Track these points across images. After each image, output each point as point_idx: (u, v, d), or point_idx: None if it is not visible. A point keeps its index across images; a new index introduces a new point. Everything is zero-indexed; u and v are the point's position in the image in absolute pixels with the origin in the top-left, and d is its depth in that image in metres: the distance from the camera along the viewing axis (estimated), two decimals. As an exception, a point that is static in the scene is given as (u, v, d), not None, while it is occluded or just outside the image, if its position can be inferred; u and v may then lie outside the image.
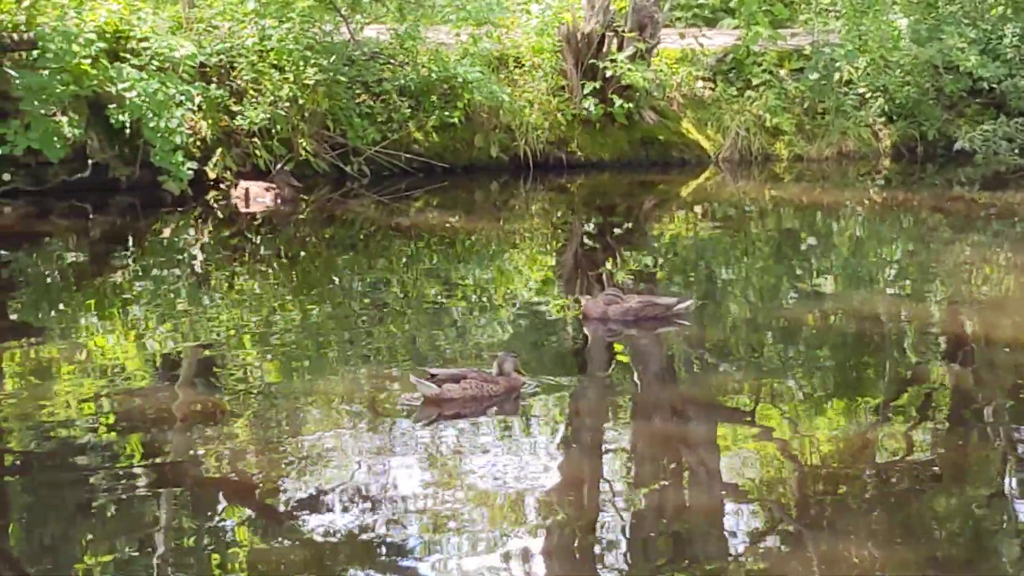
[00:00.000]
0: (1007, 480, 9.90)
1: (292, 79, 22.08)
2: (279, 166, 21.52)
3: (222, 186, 21.09)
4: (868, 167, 26.44)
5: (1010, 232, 20.54)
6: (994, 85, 27.45)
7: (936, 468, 9.96)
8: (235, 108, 21.78)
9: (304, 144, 22.13)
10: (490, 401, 10.95)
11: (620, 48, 24.86)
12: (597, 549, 8.49)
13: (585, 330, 13.58)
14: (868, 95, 27.06)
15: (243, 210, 20.30)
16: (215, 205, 20.54)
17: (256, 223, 19.57)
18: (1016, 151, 26.91)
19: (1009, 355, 13.11)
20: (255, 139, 21.77)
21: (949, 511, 9.22)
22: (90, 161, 20.43)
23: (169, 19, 22.57)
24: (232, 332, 13.58)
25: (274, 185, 20.89)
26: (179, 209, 20.13)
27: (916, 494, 9.46)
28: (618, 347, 13.33)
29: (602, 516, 9.07)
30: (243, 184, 20.91)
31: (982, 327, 14.32)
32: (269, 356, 12.57)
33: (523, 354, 11.93)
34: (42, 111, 19.42)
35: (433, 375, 10.90)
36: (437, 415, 10.69)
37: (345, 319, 14.18)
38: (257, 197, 20.68)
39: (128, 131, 20.08)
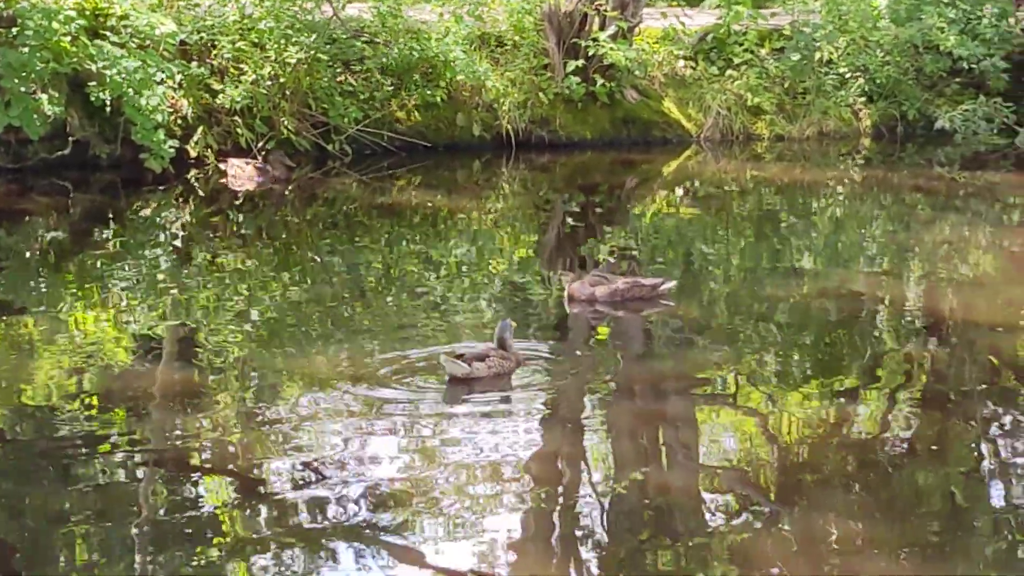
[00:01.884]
0: (983, 458, 9.99)
1: (273, 57, 22.04)
2: (260, 145, 21.50)
3: (205, 165, 21.05)
4: (848, 147, 26.47)
5: (989, 212, 20.63)
6: (973, 65, 27.47)
7: (914, 446, 10.05)
8: (216, 86, 21.72)
9: (286, 123, 22.08)
10: (508, 377, 11.11)
11: (602, 27, 24.84)
12: (577, 526, 8.55)
13: (569, 311, 13.61)
14: (848, 75, 27.06)
15: (234, 188, 20.24)
16: (196, 183, 20.50)
17: (238, 202, 19.54)
18: (995, 131, 26.96)
19: (987, 334, 13.20)
20: (236, 117, 21.72)
21: (926, 488, 9.31)
22: (71, 139, 20.37)
23: (149, -4, 22.47)
24: (214, 310, 13.59)
25: (264, 164, 20.87)
26: (160, 187, 20.09)
27: (894, 472, 9.54)
28: (601, 327, 13.38)
29: (582, 494, 9.13)
30: (233, 162, 20.87)
31: (960, 306, 14.41)
32: (251, 334, 12.59)
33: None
34: (22, 88, 19.30)
35: (461, 355, 11.03)
36: (468, 392, 10.77)
37: (327, 298, 14.19)
38: (251, 176, 20.63)
39: (109, 109, 19.99)
